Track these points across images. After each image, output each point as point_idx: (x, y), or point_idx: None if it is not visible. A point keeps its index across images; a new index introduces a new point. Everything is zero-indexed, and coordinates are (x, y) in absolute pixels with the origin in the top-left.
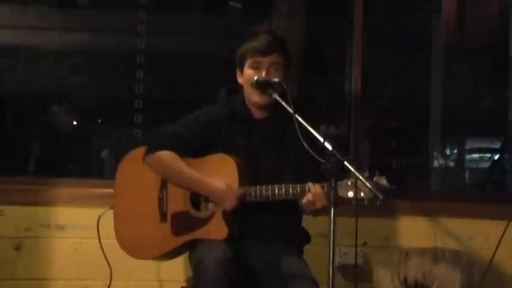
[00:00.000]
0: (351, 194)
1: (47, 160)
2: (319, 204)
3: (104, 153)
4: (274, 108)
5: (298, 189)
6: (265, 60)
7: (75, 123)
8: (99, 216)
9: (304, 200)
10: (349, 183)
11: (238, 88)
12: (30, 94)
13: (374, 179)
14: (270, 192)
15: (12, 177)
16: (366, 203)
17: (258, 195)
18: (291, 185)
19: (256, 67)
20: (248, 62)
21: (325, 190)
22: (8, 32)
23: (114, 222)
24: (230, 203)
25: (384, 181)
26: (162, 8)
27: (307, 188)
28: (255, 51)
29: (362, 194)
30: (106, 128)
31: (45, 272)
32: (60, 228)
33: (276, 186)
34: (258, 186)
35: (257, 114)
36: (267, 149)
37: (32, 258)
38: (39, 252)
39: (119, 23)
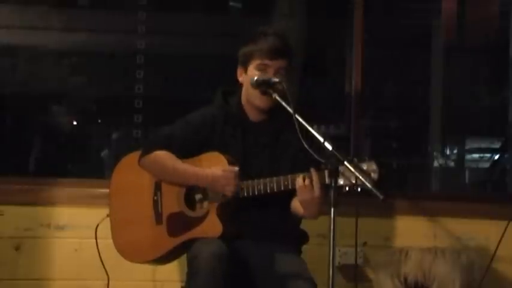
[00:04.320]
0: (341, 181)
1: (47, 160)
2: (316, 190)
3: (104, 153)
4: (270, 111)
5: (289, 180)
6: (273, 64)
7: (75, 123)
8: (97, 225)
9: (300, 183)
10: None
11: (235, 89)
12: (30, 94)
13: (364, 164)
14: (262, 185)
15: (12, 177)
16: (347, 189)
17: (250, 190)
18: (282, 177)
19: (262, 69)
20: (254, 63)
21: (326, 178)
22: (8, 32)
23: (111, 230)
24: (230, 187)
25: (373, 166)
26: (162, 8)
27: (304, 176)
28: (263, 54)
29: (341, 181)
30: (106, 128)
31: (45, 272)
32: (60, 228)
33: (268, 179)
34: (249, 181)
35: (253, 116)
36: (261, 151)
37: (32, 258)
38: (39, 252)
39: (119, 23)
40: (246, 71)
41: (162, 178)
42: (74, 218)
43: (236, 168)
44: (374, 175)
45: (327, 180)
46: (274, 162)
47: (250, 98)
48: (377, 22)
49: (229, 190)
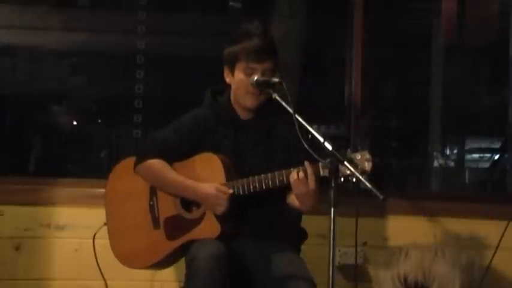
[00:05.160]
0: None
1: (47, 160)
2: (311, 183)
3: (104, 153)
4: (259, 108)
5: (284, 175)
6: (260, 67)
7: (75, 123)
8: (95, 234)
9: (294, 177)
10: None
11: (224, 88)
12: (30, 94)
13: (358, 154)
14: (257, 183)
15: (12, 177)
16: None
17: (245, 188)
18: (276, 172)
19: (249, 73)
20: (241, 66)
21: (320, 170)
22: (8, 32)
23: (109, 238)
24: (221, 207)
25: (367, 155)
26: (162, 8)
27: (297, 169)
28: (249, 57)
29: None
30: (106, 128)
31: (45, 272)
32: (60, 228)
33: (262, 175)
34: (244, 179)
35: (243, 115)
36: (253, 149)
37: (32, 258)
38: (39, 252)
39: (119, 23)
40: (232, 73)
41: (156, 187)
42: (73, 218)
43: (230, 191)
44: (368, 164)
45: (321, 172)
46: (267, 159)
47: (239, 99)
48: (377, 22)
49: (219, 210)
